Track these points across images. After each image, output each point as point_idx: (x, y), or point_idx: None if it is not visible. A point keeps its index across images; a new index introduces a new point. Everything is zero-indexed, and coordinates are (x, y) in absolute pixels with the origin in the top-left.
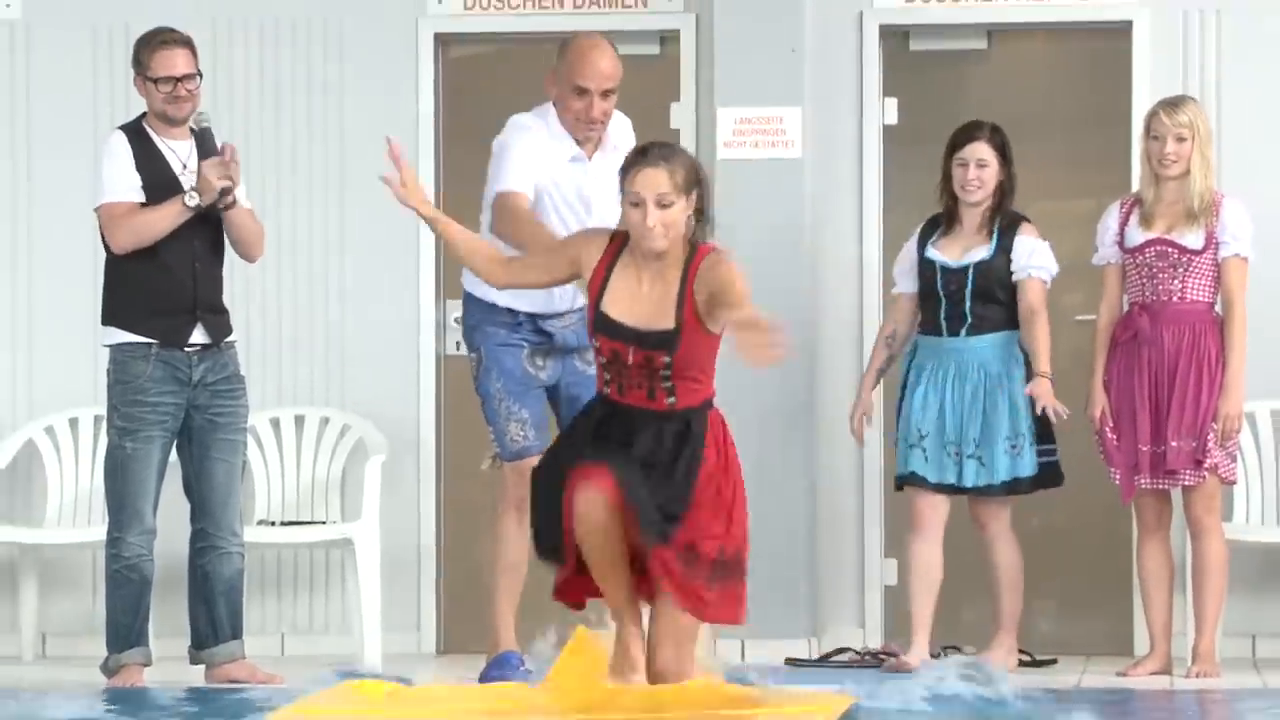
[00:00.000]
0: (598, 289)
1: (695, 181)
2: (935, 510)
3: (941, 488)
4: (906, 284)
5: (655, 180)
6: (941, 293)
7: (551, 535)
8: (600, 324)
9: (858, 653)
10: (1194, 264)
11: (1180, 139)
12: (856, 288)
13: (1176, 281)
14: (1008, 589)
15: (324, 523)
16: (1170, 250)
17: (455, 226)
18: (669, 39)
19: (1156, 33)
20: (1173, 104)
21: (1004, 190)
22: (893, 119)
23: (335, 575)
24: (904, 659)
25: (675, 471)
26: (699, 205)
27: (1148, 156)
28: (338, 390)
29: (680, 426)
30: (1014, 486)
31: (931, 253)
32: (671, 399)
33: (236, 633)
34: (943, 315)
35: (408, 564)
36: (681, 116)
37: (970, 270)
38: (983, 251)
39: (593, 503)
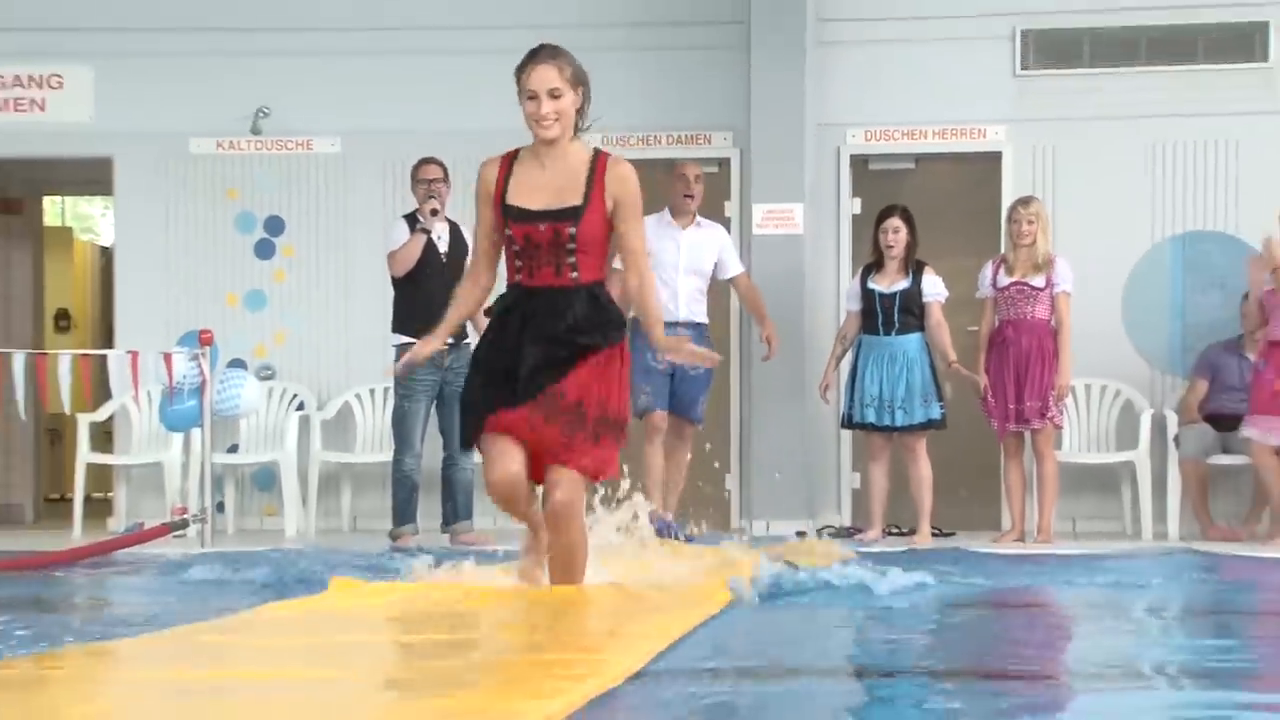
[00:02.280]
0: (500, 194)
1: (580, 79)
2: (883, 447)
3: (882, 428)
4: (853, 304)
5: (546, 76)
6: (879, 309)
7: (469, 436)
8: (510, 214)
9: (835, 528)
10: (1039, 297)
11: (1030, 222)
12: (834, 309)
13: (1029, 307)
14: (925, 491)
15: None
16: (1025, 288)
17: (450, 325)
18: (723, 163)
19: (1018, 158)
20: (1025, 201)
21: (911, 245)
22: (858, 211)
23: None
24: (866, 534)
25: (574, 343)
26: (583, 104)
27: (1010, 232)
28: None
29: (588, 298)
30: (927, 425)
31: (872, 285)
32: (575, 273)
33: (469, 515)
34: (880, 322)
35: None
36: (731, 209)
37: (898, 295)
38: (904, 283)
39: (501, 469)
